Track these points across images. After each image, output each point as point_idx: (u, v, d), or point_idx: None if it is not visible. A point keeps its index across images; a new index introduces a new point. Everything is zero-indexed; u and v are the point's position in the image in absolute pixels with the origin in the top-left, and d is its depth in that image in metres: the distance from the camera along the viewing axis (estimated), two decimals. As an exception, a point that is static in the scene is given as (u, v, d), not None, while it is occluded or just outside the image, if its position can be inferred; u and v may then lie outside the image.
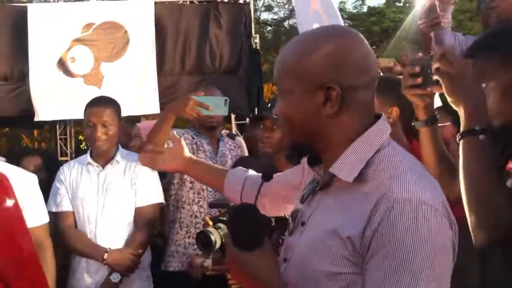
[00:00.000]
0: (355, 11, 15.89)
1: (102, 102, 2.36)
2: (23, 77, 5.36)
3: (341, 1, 15.52)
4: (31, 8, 5.45)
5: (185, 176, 2.51)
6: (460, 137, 1.15)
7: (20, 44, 5.33)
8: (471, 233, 1.11)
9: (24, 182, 2.04)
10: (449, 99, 1.20)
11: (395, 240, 0.87)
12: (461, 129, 1.15)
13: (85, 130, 2.42)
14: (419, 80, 1.30)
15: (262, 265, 0.98)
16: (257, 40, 6.36)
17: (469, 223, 1.11)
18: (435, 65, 1.20)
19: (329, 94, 0.96)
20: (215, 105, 2.06)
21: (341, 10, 15.89)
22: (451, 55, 1.19)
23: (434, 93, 1.43)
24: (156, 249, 2.58)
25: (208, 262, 2.06)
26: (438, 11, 2.15)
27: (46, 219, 2.14)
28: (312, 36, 1.03)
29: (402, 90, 1.39)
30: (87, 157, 2.39)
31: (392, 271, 0.86)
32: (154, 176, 2.41)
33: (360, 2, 15.52)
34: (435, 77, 1.22)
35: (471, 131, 1.13)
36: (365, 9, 15.70)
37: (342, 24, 4.33)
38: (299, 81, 0.97)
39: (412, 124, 1.54)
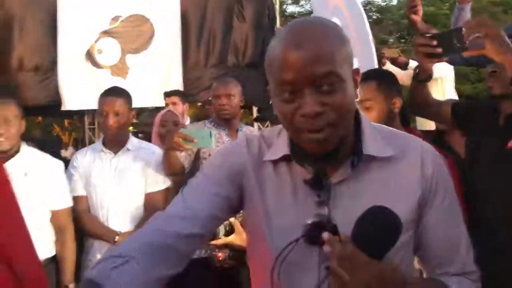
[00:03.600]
0: (384, 4, 15.65)
1: (114, 92, 2.46)
2: (52, 67, 5.54)
3: (370, -6, 15.32)
4: (61, 1, 5.61)
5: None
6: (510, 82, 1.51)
7: (50, 35, 5.51)
8: None
9: (50, 168, 2.24)
10: (495, 57, 1.50)
11: (446, 184, 1.03)
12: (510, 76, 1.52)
13: (98, 118, 2.52)
14: (439, 50, 1.57)
15: (394, 276, 0.86)
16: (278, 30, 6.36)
17: None
18: (479, 30, 1.48)
19: (355, 79, 0.96)
20: (201, 138, 2.19)
21: (369, 3, 15.63)
22: (486, 21, 1.50)
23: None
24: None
25: (225, 255, 2.11)
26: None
27: (69, 203, 2.33)
28: (332, 23, 0.97)
29: (418, 57, 1.70)
30: (99, 144, 2.50)
31: (452, 209, 1.03)
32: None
33: (389, -5, 15.31)
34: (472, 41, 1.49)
35: None
36: (394, 2, 15.44)
37: (366, 20, 4.30)
38: (349, 68, 0.93)
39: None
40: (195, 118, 5.48)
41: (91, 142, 6.70)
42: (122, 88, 2.56)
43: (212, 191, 1.01)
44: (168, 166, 2.42)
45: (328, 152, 0.94)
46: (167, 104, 3.95)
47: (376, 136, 1.01)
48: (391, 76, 2.09)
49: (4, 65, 5.45)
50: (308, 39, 0.89)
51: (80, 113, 6.75)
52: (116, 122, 2.37)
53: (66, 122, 10.57)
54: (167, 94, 4.09)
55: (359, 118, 1.02)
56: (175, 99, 3.95)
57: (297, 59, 0.88)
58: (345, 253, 0.83)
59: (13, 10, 5.41)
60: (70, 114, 7.25)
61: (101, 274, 0.89)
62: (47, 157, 2.35)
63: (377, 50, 4.07)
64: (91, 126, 6.82)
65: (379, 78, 1.96)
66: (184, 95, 4.19)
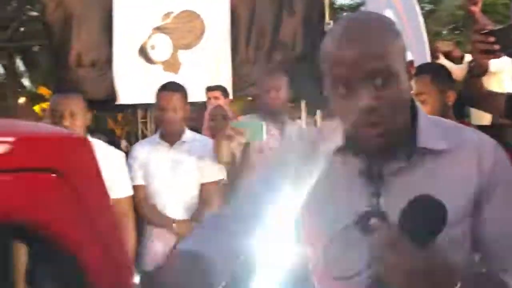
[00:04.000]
0: (438, -7, 15.14)
1: (171, 88, 2.56)
2: (108, 63, 5.75)
3: (425, -17, 14.85)
4: (117, -2, 5.82)
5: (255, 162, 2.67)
6: None
7: (106, 32, 5.73)
8: None
9: (114, 158, 2.38)
10: None
11: (509, 177, 1.01)
12: None
13: (155, 112, 2.64)
14: (497, 47, 1.56)
15: (440, 263, 0.86)
16: (331, 26, 6.29)
17: None
18: None
19: (409, 71, 0.99)
20: (252, 131, 2.23)
21: (423, -8, 15.19)
22: None
23: None
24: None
25: None
26: None
27: (130, 192, 2.43)
28: (385, 18, 1.04)
29: (474, 54, 1.72)
30: (157, 137, 2.62)
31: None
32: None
33: (445, -16, 14.78)
34: None
35: None
36: (449, -9, 14.91)
37: (419, 11, 4.23)
38: (403, 62, 0.96)
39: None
40: (243, 113, 5.56)
41: (144, 135, 6.91)
42: (178, 83, 2.67)
43: None
44: (220, 156, 2.50)
45: (383, 145, 0.96)
46: (209, 99, 4.05)
47: (432, 129, 1.01)
48: (445, 70, 2.10)
49: (64, 61, 5.73)
50: (361, 35, 0.93)
51: (133, 107, 6.97)
52: (173, 117, 2.48)
53: (119, 116, 10.92)
54: (210, 89, 4.18)
55: (416, 110, 1.03)
56: (217, 93, 4.05)
57: (351, 55, 0.92)
58: (392, 240, 0.85)
59: (72, 9, 5.65)
60: (123, 108, 7.50)
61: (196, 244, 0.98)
62: (111, 148, 2.49)
63: (430, 42, 3.99)
64: (143, 120, 7.02)
65: (432, 72, 1.98)
66: (225, 90, 4.28)
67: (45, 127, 0.78)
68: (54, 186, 0.60)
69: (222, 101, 3.95)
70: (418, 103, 1.07)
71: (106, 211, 0.73)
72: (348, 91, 0.94)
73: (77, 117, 2.28)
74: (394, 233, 0.85)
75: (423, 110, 1.08)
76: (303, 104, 6.11)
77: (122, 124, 10.98)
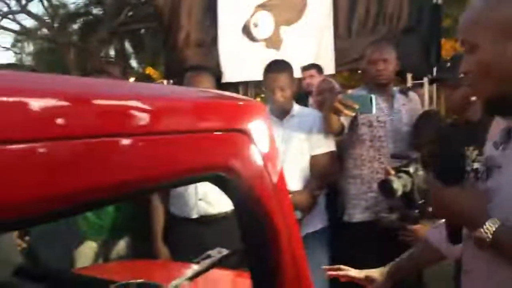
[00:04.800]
0: None
1: (278, 67, 2.61)
2: (213, 43, 5.97)
3: None
4: (221, -21, 5.98)
5: (364, 135, 2.66)
6: None
7: (212, 14, 5.93)
8: None
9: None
10: None
11: None
12: None
13: (265, 91, 2.72)
14: None
15: (466, 199, 1.04)
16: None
17: None
18: None
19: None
20: (361, 103, 2.17)
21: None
22: None
23: None
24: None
25: (393, 217, 2.14)
26: None
27: None
28: None
29: None
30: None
31: None
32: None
33: None
34: None
35: None
36: None
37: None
38: (493, 33, 1.04)
39: None
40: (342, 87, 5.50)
41: (246, 112, 7.10)
42: (284, 62, 2.70)
43: None
44: (329, 127, 2.52)
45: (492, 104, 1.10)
46: (304, 78, 4.07)
47: None
48: None
49: (173, 43, 6.05)
50: (466, 11, 1.11)
51: (235, 85, 7.19)
52: (282, 96, 2.56)
53: (221, 94, 11.33)
54: (305, 68, 4.20)
55: None
56: (312, 72, 4.07)
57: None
58: (434, 187, 1.12)
59: (181, -7, 5.93)
60: (227, 86, 7.75)
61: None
62: None
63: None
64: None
65: None
66: (320, 67, 4.29)
67: (230, 95, 0.91)
68: (244, 144, 0.72)
69: (317, 79, 3.96)
70: None
71: (278, 167, 0.85)
72: None
73: None
74: (431, 180, 1.14)
75: None
76: (409, 77, 5.90)
77: (224, 101, 11.35)
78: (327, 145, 2.63)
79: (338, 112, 2.32)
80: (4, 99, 0.46)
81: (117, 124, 0.53)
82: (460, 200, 1.04)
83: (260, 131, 0.81)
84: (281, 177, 0.87)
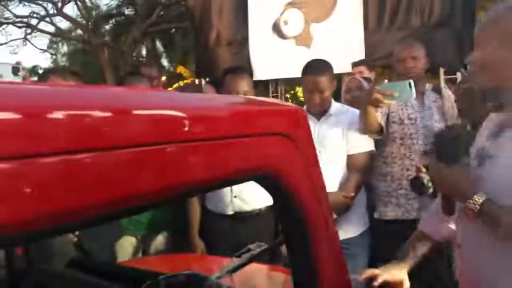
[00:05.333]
0: None
1: (318, 70, 2.53)
2: (244, 41, 6.05)
3: None
4: (251, -21, 6.04)
5: (395, 133, 2.65)
6: None
7: (242, 13, 6.01)
8: None
9: None
10: None
11: None
12: None
13: (303, 91, 2.69)
14: None
15: (459, 176, 1.23)
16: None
17: None
18: None
19: None
20: (400, 90, 2.12)
21: None
22: None
23: None
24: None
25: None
26: None
27: None
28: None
29: None
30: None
31: None
32: None
33: None
34: None
35: None
36: None
37: None
38: (504, 39, 1.17)
39: None
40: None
41: (276, 109, 7.14)
42: (324, 62, 2.61)
43: None
44: (366, 125, 2.45)
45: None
46: (353, 74, 4.06)
47: None
48: None
49: (204, 42, 6.16)
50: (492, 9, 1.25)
51: (265, 82, 7.24)
52: (320, 98, 2.51)
53: (251, 91, 11.40)
54: (355, 64, 4.20)
55: None
56: (362, 68, 4.04)
57: None
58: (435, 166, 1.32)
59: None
60: (256, 84, 7.82)
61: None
62: None
63: None
64: (274, 94, 7.26)
65: None
66: (369, 64, 4.25)
67: (273, 102, 0.99)
68: (287, 147, 0.79)
69: (367, 75, 3.95)
70: None
71: (318, 169, 0.91)
72: None
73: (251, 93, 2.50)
74: (432, 160, 1.35)
75: None
76: (441, 72, 5.83)
77: (254, 99, 11.42)
78: (365, 144, 2.58)
79: (378, 104, 2.23)
80: (70, 112, 0.51)
81: (182, 132, 0.60)
82: (454, 177, 1.23)
83: (302, 135, 0.87)
84: (320, 178, 0.93)
